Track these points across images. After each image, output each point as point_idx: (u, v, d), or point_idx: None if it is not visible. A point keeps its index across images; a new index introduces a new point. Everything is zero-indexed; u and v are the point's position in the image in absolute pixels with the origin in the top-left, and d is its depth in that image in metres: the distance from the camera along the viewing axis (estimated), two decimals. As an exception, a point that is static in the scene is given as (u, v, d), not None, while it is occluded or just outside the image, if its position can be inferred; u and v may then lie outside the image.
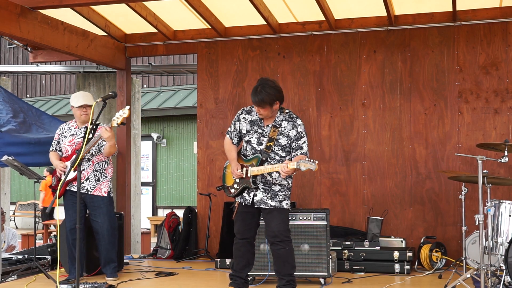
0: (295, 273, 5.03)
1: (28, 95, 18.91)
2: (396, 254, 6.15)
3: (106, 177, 5.96)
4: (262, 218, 5.09)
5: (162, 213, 15.43)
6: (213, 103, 7.66)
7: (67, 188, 5.84)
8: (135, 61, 13.75)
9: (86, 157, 5.84)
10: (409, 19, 6.95)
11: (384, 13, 6.79)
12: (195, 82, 15.18)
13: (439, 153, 6.84)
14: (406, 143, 6.94)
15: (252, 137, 4.99)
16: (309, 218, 5.70)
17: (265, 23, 7.15)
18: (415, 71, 6.95)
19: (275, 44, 7.44)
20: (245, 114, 5.07)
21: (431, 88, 6.89)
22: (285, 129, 4.93)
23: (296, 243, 5.34)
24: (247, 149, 5.03)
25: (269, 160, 4.93)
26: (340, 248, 6.30)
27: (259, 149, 4.96)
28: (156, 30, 7.64)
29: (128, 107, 5.70)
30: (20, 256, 6.61)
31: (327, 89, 7.24)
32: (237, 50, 7.59)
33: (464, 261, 5.64)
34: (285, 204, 4.96)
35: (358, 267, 6.23)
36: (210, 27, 7.40)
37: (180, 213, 7.91)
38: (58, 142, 6.01)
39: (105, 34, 7.67)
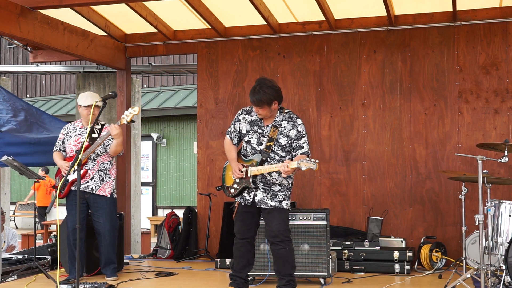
0: (295, 273, 5.03)
1: (28, 95, 18.91)
2: (396, 254, 6.15)
3: (110, 177, 5.97)
4: (262, 218, 5.09)
5: (162, 213, 15.43)
6: (213, 103, 7.66)
7: (72, 188, 5.84)
8: (135, 61, 13.75)
9: (92, 157, 5.84)
10: (409, 19, 6.95)
11: (384, 13, 6.79)
12: (195, 82, 15.18)
13: (439, 153, 6.84)
14: (406, 143, 6.94)
15: (252, 137, 4.99)
16: (309, 218, 5.70)
17: (265, 23, 7.15)
18: (415, 71, 6.95)
19: (275, 44, 7.45)
20: (245, 115, 5.07)
21: (431, 88, 6.89)
22: (285, 129, 4.93)
23: (296, 243, 5.34)
24: (247, 149, 5.03)
25: (269, 160, 4.93)
26: (340, 248, 6.30)
27: (259, 149, 4.96)
28: (156, 30, 7.64)
29: (137, 105, 5.71)
30: (20, 256, 6.61)
31: (327, 89, 7.24)
32: (237, 50, 7.59)
33: (464, 261, 5.64)
34: (285, 204, 4.96)
35: (358, 267, 6.23)
36: (210, 27, 7.40)
37: (180, 213, 7.91)
38: (63, 142, 6.00)
39: (105, 34, 7.67)
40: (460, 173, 5.91)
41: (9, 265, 6.19)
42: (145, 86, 16.62)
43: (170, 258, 7.35)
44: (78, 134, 5.95)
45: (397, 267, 6.13)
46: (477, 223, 4.91)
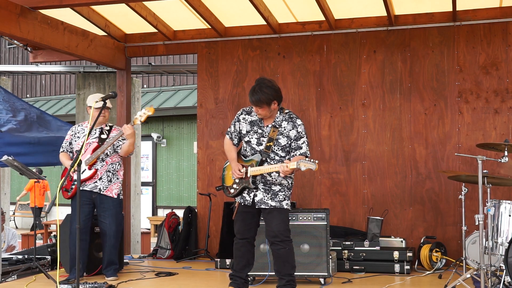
0: (295, 273, 5.03)
1: (28, 95, 18.91)
2: (396, 254, 6.15)
3: (117, 178, 5.98)
4: (262, 218, 5.09)
5: (162, 213, 15.43)
6: (213, 103, 7.66)
7: (79, 188, 5.83)
8: (135, 61, 13.75)
9: (101, 157, 5.86)
10: (409, 19, 6.95)
11: (384, 13, 6.79)
12: (195, 82, 15.18)
13: (439, 153, 6.84)
14: (406, 143, 6.94)
15: (252, 138, 4.99)
16: (309, 218, 5.70)
17: (265, 23, 7.15)
18: (415, 71, 6.95)
19: (275, 44, 7.44)
20: (245, 115, 5.07)
21: (431, 88, 6.89)
22: (285, 129, 4.93)
23: (296, 243, 5.34)
24: (247, 149, 5.03)
25: (268, 160, 4.93)
26: (340, 248, 6.30)
27: (258, 149, 4.96)
28: (156, 30, 7.64)
29: (152, 105, 5.73)
30: (20, 256, 6.61)
31: (327, 89, 7.24)
32: (237, 50, 7.59)
33: (464, 261, 5.64)
34: (285, 204, 4.96)
35: (358, 267, 6.23)
36: (210, 27, 7.40)
37: (180, 213, 7.91)
38: (70, 143, 6.00)
39: (105, 34, 7.67)
40: (460, 173, 5.91)
41: (9, 265, 6.19)
42: (145, 86, 16.62)
43: (170, 258, 7.35)
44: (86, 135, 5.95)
45: (397, 267, 6.13)
46: (477, 223, 4.91)
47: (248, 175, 4.93)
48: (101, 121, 5.94)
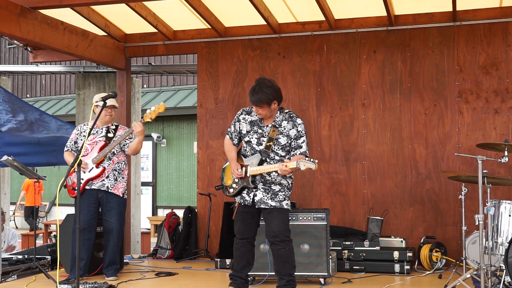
0: (295, 273, 5.03)
1: (28, 95, 18.91)
2: (396, 254, 6.15)
3: (123, 178, 6.00)
4: (262, 218, 5.09)
5: (162, 213, 15.43)
6: (213, 103, 7.66)
7: (86, 187, 5.85)
8: (135, 61, 13.75)
9: (108, 156, 5.86)
10: (409, 19, 6.95)
11: (384, 13, 6.79)
12: (195, 82, 15.18)
13: (439, 153, 6.84)
14: (406, 143, 6.94)
15: (252, 138, 4.99)
16: (309, 218, 5.70)
17: (265, 23, 7.15)
18: (415, 71, 6.95)
19: (275, 44, 7.45)
20: (245, 115, 5.07)
21: (431, 88, 6.89)
22: (285, 129, 4.93)
23: (296, 243, 5.34)
24: (247, 149, 5.03)
25: (268, 160, 4.93)
26: (340, 248, 6.30)
27: (258, 149, 4.96)
28: (156, 30, 7.64)
29: (163, 103, 5.75)
30: (20, 256, 6.61)
31: (327, 89, 7.24)
32: (237, 50, 7.59)
33: (464, 261, 5.64)
34: (285, 204, 4.96)
35: (358, 267, 6.23)
36: (210, 27, 7.40)
37: (180, 213, 7.91)
38: (75, 142, 6.00)
39: (105, 34, 7.67)
40: (460, 173, 5.91)
41: (9, 265, 6.19)
42: (145, 86, 16.62)
43: (170, 258, 7.35)
44: (93, 134, 5.97)
45: (397, 267, 6.13)
46: (477, 223, 4.91)
47: (248, 175, 4.93)
48: (107, 120, 5.97)
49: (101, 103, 5.11)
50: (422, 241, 6.38)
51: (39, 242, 10.13)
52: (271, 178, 4.95)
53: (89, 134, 5.84)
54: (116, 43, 7.84)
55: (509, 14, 6.63)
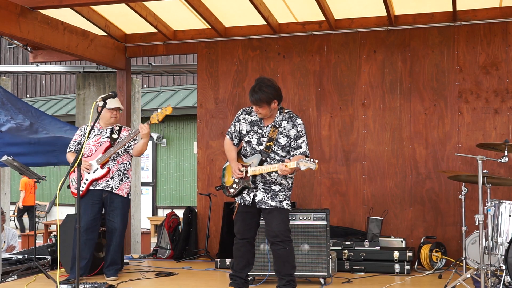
0: (295, 273, 5.03)
1: (28, 95, 18.91)
2: (396, 254, 6.15)
3: (128, 178, 6.01)
4: (262, 218, 5.09)
5: (162, 213, 15.43)
6: (213, 103, 7.66)
7: (90, 188, 5.85)
8: (135, 61, 13.75)
9: (112, 157, 5.88)
10: (409, 19, 6.95)
11: (384, 13, 6.79)
12: (195, 82, 15.18)
13: (439, 153, 6.84)
14: (406, 143, 6.94)
15: (252, 138, 4.99)
16: (309, 218, 5.70)
17: (265, 23, 7.15)
18: (415, 71, 6.95)
19: (275, 44, 7.44)
20: (245, 115, 5.07)
21: (431, 88, 6.89)
22: (285, 129, 4.93)
23: (296, 243, 5.34)
24: (247, 149, 5.03)
25: (269, 160, 4.93)
26: (340, 248, 6.29)
27: (258, 149, 4.96)
28: (156, 30, 7.64)
29: (170, 105, 5.76)
30: (20, 256, 6.61)
31: (327, 89, 7.24)
32: (237, 50, 7.59)
33: (464, 261, 5.64)
34: (286, 204, 4.96)
35: (358, 267, 6.23)
36: (210, 27, 7.40)
37: (180, 213, 7.91)
38: (79, 143, 6.00)
39: (105, 34, 7.67)
40: (460, 173, 5.91)
41: (9, 265, 6.19)
42: (145, 86, 16.62)
43: (170, 258, 7.35)
44: (97, 135, 5.97)
45: (397, 267, 6.13)
46: (477, 223, 4.91)
47: (248, 175, 4.93)
48: (112, 122, 5.99)
49: (101, 103, 5.12)
50: (422, 241, 6.38)
51: (39, 242, 10.13)
52: (272, 178, 4.94)
53: (89, 134, 5.84)
54: (116, 43, 7.84)
55: (509, 14, 6.63)
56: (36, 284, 5.76)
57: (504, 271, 4.80)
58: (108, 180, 5.87)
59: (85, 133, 6.02)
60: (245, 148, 5.06)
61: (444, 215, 6.78)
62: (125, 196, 5.96)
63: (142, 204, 11.09)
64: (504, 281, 4.78)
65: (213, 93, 7.66)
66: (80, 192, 5.86)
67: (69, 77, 17.89)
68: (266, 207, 4.93)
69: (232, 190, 5.06)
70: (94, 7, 7.06)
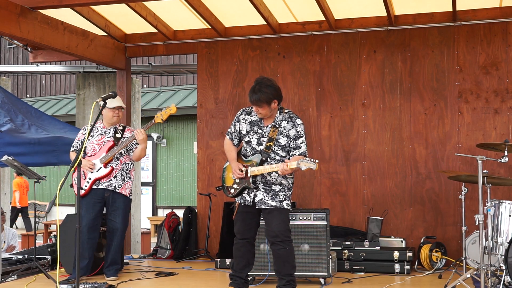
0: (295, 273, 5.03)
1: (28, 95, 18.91)
2: (396, 254, 6.15)
3: (130, 178, 6.02)
4: (262, 218, 5.09)
5: (162, 213, 15.44)
6: (213, 103, 7.66)
7: (93, 187, 5.85)
8: (135, 61, 13.76)
9: (115, 156, 5.88)
10: (409, 19, 6.95)
11: (384, 13, 6.79)
12: (195, 82, 15.18)
13: (439, 153, 6.84)
14: (406, 143, 6.94)
15: (252, 138, 4.99)
16: (309, 218, 5.70)
17: (265, 23, 7.15)
18: (415, 71, 6.95)
19: (275, 44, 7.45)
20: (245, 115, 5.07)
21: (431, 88, 6.89)
22: (284, 129, 4.93)
23: (296, 243, 5.34)
24: (247, 149, 5.03)
25: (269, 160, 4.93)
26: (340, 248, 6.30)
27: (259, 149, 4.95)
28: (156, 30, 7.64)
29: (174, 104, 5.75)
30: (20, 256, 6.61)
31: (327, 89, 7.24)
32: (237, 50, 7.59)
33: (464, 261, 5.64)
34: (286, 204, 4.96)
35: (358, 267, 6.23)
36: (210, 27, 7.40)
37: (180, 213, 7.91)
38: (82, 143, 6.00)
39: (105, 34, 7.67)
40: (460, 173, 5.91)
41: (9, 265, 6.19)
42: (145, 86, 16.62)
43: (170, 258, 7.35)
44: (101, 134, 5.98)
45: (397, 267, 6.13)
46: (477, 223, 4.91)
47: (248, 175, 4.93)
48: (115, 121, 5.99)
49: (102, 103, 5.12)
50: (422, 241, 6.38)
51: (39, 242, 10.13)
52: (272, 178, 4.94)
53: (89, 134, 5.83)
54: (116, 43, 7.84)
55: (509, 14, 6.63)
56: (36, 284, 5.76)
57: (504, 271, 4.80)
58: (111, 179, 5.87)
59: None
60: (245, 148, 5.06)
61: (444, 215, 6.78)
62: (128, 195, 5.97)
63: (142, 204, 11.09)
64: (504, 281, 4.78)
65: (213, 93, 7.66)
66: (83, 191, 5.87)
67: (69, 77, 17.89)
68: (266, 207, 4.93)
69: (232, 191, 5.06)
70: (94, 7, 7.06)
